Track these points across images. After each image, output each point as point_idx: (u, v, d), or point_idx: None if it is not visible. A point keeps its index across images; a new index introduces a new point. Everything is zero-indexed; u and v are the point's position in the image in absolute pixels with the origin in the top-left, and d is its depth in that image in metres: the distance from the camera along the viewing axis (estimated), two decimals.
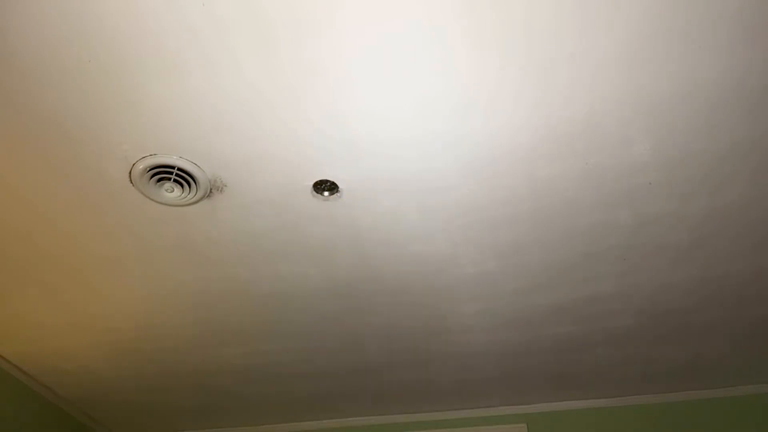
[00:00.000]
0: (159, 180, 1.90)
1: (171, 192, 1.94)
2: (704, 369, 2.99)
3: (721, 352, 2.86)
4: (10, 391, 3.07)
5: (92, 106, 1.67)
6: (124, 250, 2.27)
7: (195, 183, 1.92)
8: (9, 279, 2.44)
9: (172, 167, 1.86)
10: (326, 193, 1.98)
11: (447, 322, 2.68)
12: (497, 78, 1.60)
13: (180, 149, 1.82)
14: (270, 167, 1.89)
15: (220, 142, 1.80)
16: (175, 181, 1.90)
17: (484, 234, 2.17)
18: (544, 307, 2.56)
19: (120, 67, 1.56)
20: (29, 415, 3.18)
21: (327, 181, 1.93)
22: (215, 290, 2.49)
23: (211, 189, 1.97)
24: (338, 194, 1.98)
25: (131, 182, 1.93)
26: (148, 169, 1.87)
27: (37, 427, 3.22)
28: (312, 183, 1.94)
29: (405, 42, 1.50)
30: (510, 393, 3.26)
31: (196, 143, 1.80)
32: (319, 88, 1.62)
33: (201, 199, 2.00)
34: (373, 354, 2.93)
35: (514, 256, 2.28)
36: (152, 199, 1.99)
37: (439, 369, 3.05)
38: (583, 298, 2.51)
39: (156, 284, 2.46)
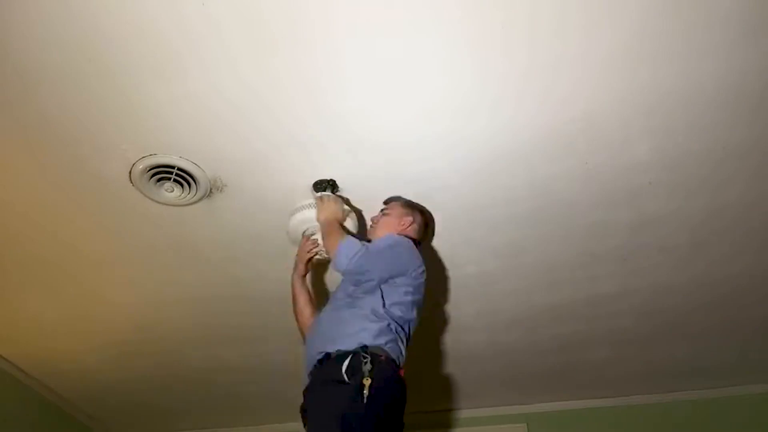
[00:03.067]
0: (159, 180, 1.90)
1: (171, 192, 1.94)
2: (704, 369, 2.99)
3: (721, 352, 2.86)
4: (10, 391, 3.06)
5: (92, 106, 1.67)
6: (124, 249, 2.26)
7: (195, 183, 1.92)
8: (9, 279, 2.44)
9: (172, 167, 1.86)
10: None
11: (447, 322, 2.68)
12: (501, 79, 1.60)
13: (180, 149, 1.82)
14: (270, 167, 1.89)
15: (220, 142, 1.80)
16: (175, 181, 1.90)
17: (484, 234, 2.17)
18: (544, 307, 2.56)
19: (120, 67, 1.55)
20: (29, 414, 3.18)
21: (327, 181, 1.93)
22: (215, 290, 2.49)
23: (211, 189, 1.97)
24: (338, 194, 1.98)
25: (131, 182, 1.93)
26: (148, 168, 1.87)
27: (37, 427, 3.22)
28: (312, 183, 1.94)
29: (408, 43, 1.50)
30: (510, 393, 3.26)
31: (196, 143, 1.80)
32: (319, 88, 1.62)
33: (201, 199, 2.00)
34: None
35: (514, 256, 2.28)
36: (152, 199, 1.99)
37: (438, 369, 3.05)
38: (583, 298, 2.50)
39: (156, 284, 2.46)
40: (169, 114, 1.70)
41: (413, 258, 1.72)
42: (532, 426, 3.30)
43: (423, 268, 1.73)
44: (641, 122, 1.73)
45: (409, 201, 1.96)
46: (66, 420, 3.42)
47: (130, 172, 1.89)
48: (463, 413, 3.41)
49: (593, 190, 1.97)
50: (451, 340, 2.80)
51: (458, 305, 2.57)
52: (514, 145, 1.81)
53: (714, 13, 1.43)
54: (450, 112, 1.70)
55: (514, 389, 3.22)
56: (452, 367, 3.03)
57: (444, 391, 3.25)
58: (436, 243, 2.22)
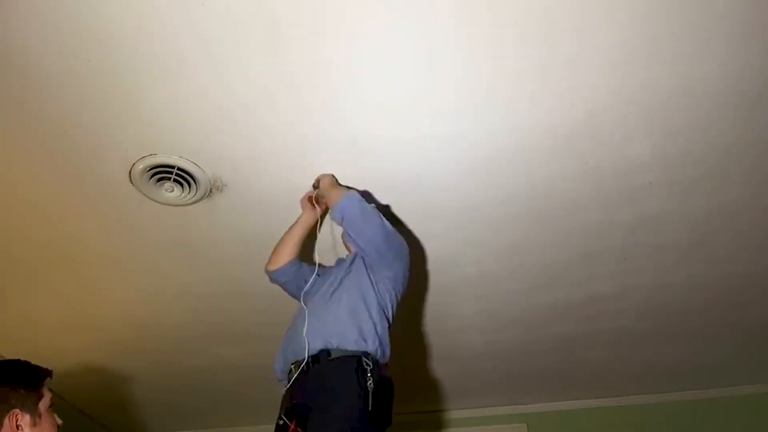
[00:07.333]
0: (159, 180, 1.90)
1: (171, 192, 1.94)
2: (704, 369, 2.99)
3: (721, 352, 2.86)
4: None
5: (92, 105, 1.67)
6: (123, 249, 2.26)
7: (195, 183, 1.92)
8: (9, 279, 2.44)
9: (172, 167, 1.86)
10: None
11: (447, 322, 2.68)
12: (492, 77, 1.60)
13: (180, 149, 1.82)
14: (270, 167, 1.89)
15: (221, 142, 1.80)
16: (175, 180, 1.90)
17: (484, 234, 2.17)
18: (544, 307, 2.56)
19: (120, 66, 1.55)
20: None
21: None
22: (215, 290, 2.49)
23: (211, 189, 1.97)
24: None
25: (131, 182, 1.93)
26: (148, 168, 1.87)
27: None
28: (312, 183, 1.94)
29: (404, 43, 1.50)
30: (510, 393, 3.26)
31: (196, 143, 1.80)
32: (319, 87, 1.62)
33: (201, 199, 2.00)
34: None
35: (514, 256, 2.28)
36: (152, 199, 1.99)
37: (439, 369, 3.05)
38: (583, 298, 2.51)
39: (156, 284, 2.46)
40: (169, 113, 1.70)
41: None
42: (532, 426, 3.30)
43: None
44: (641, 122, 1.73)
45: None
46: (65, 420, 3.41)
47: (130, 172, 1.89)
48: (463, 413, 3.41)
49: (593, 190, 1.97)
50: (451, 340, 2.80)
51: (458, 305, 2.57)
52: (513, 145, 1.81)
53: (713, 14, 1.43)
54: (450, 111, 1.70)
55: (514, 389, 3.22)
56: (452, 367, 3.03)
57: (444, 391, 3.25)
58: (436, 243, 2.22)
